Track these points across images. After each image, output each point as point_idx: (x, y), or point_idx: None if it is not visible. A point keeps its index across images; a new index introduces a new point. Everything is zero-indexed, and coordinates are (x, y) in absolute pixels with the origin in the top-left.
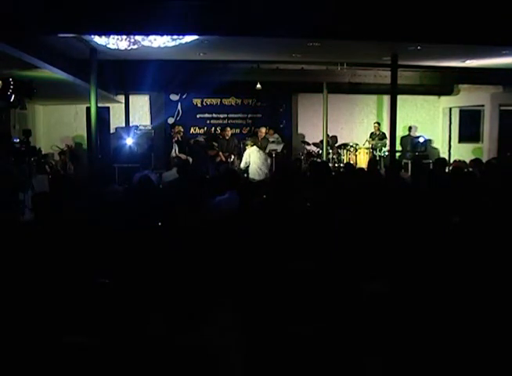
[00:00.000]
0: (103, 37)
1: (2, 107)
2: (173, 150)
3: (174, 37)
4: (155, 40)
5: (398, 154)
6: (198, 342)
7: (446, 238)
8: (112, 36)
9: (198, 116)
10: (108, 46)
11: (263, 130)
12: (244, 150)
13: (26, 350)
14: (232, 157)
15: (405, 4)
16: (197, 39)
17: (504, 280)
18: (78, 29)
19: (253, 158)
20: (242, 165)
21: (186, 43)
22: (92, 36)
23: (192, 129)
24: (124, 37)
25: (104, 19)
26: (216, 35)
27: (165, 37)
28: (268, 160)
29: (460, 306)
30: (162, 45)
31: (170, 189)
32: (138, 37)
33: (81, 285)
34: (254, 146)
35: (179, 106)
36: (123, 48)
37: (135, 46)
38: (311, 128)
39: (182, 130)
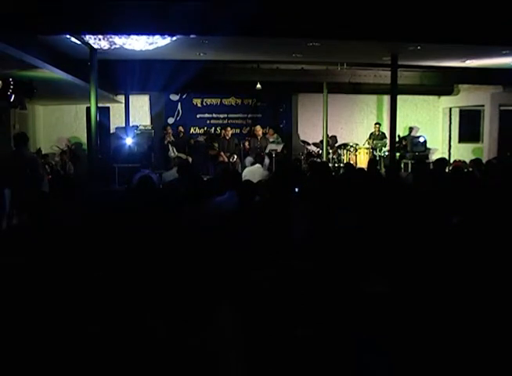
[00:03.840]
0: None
1: (2, 107)
2: (170, 151)
3: (149, 41)
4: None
5: (397, 154)
6: (198, 343)
7: (446, 238)
8: (90, 36)
9: (198, 116)
10: (94, 46)
11: (258, 128)
12: (244, 150)
13: (24, 352)
14: (235, 157)
15: (404, 4)
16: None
17: (504, 280)
18: (79, 29)
19: (249, 177)
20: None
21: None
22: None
23: (192, 129)
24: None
25: (101, 20)
26: (216, 36)
27: (142, 41)
28: (262, 170)
29: (461, 306)
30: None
31: (170, 189)
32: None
33: (80, 286)
34: (256, 165)
35: (179, 106)
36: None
37: (117, 46)
38: (311, 128)
39: (182, 130)
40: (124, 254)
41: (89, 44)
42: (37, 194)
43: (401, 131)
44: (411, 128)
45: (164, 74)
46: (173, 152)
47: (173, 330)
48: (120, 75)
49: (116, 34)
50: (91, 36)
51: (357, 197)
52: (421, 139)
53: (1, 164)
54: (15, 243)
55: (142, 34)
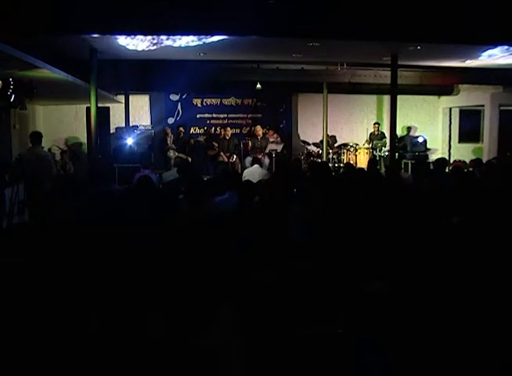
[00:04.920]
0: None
1: (2, 107)
2: (169, 151)
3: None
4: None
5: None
6: (198, 343)
7: (446, 238)
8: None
9: (198, 116)
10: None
11: (258, 128)
12: (244, 150)
13: (24, 352)
14: (235, 157)
15: (404, 4)
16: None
17: (504, 281)
18: (80, 29)
19: (249, 178)
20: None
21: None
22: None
23: (192, 129)
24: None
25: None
26: (216, 35)
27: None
28: (261, 170)
29: (461, 306)
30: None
31: (170, 189)
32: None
33: (80, 286)
34: (255, 165)
35: (179, 106)
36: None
37: (154, 47)
38: (311, 128)
39: (183, 130)
40: (124, 254)
41: (90, 42)
42: (41, 193)
43: (399, 131)
44: (409, 128)
45: (164, 74)
46: (173, 152)
47: (173, 330)
48: (120, 75)
49: (116, 34)
50: (138, 36)
51: (357, 197)
52: (420, 139)
53: (17, 163)
54: (15, 243)
55: (139, 34)
